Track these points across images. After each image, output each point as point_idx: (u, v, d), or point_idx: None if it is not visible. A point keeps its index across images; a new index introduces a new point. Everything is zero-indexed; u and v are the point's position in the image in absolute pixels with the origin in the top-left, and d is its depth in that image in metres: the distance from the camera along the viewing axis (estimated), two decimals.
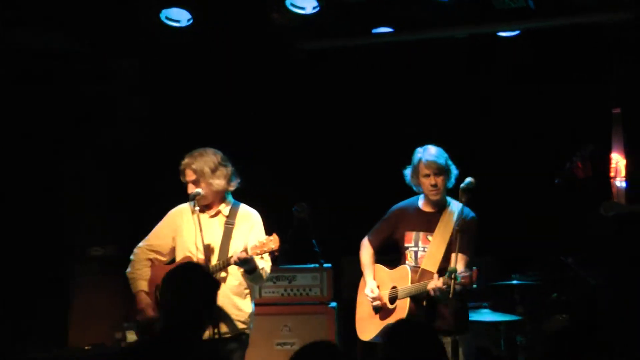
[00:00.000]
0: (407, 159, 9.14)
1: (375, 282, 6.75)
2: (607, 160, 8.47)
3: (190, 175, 6.47)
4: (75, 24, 8.29)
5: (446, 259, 6.40)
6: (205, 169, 6.42)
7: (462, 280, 5.96)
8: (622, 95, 8.44)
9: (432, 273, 6.39)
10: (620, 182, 8.30)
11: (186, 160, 6.51)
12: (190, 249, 6.46)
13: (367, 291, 6.71)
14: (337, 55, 9.27)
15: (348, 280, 9.29)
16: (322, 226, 8.72)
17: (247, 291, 6.55)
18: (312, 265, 8.46)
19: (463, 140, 9.07)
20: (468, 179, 6.39)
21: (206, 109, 9.46)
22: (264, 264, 6.43)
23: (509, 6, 7.86)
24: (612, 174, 8.39)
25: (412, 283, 6.43)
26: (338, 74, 9.54)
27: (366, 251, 6.93)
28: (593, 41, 8.57)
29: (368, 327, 6.74)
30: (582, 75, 8.84)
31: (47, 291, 8.90)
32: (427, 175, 6.55)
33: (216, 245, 6.45)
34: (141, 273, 6.53)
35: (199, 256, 6.36)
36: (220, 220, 6.55)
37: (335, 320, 8.30)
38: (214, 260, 6.38)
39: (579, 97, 8.82)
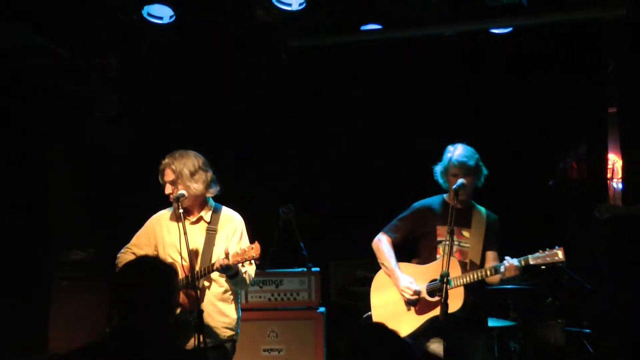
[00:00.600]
0: (399, 160, 9.03)
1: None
2: (603, 161, 8.47)
3: (169, 175, 6.34)
4: (52, 21, 8.14)
5: (483, 255, 6.65)
6: (185, 170, 6.30)
7: (550, 259, 6.26)
8: (618, 94, 8.41)
9: (478, 265, 6.58)
10: (617, 184, 8.23)
11: (166, 160, 6.38)
12: (173, 256, 6.34)
13: (406, 283, 6.63)
14: (324, 53, 9.13)
15: (336, 284, 9.29)
16: (309, 228, 8.58)
17: (232, 297, 6.44)
18: (299, 269, 8.35)
19: (454, 140, 9.02)
20: (460, 181, 6.48)
21: (189, 108, 9.35)
22: (247, 267, 6.31)
23: (501, 3, 7.77)
24: (608, 175, 8.38)
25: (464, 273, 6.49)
26: (326, 72, 9.44)
27: (387, 247, 6.86)
28: (588, 38, 8.49)
29: (401, 325, 6.59)
30: (576, 74, 8.77)
31: (26, 295, 8.77)
32: (456, 175, 6.60)
33: (198, 252, 6.34)
34: None
35: (183, 263, 6.23)
36: (202, 226, 6.44)
37: (324, 326, 8.21)
38: (197, 268, 6.24)
39: (574, 95, 8.77)
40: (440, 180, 6.75)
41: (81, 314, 8.75)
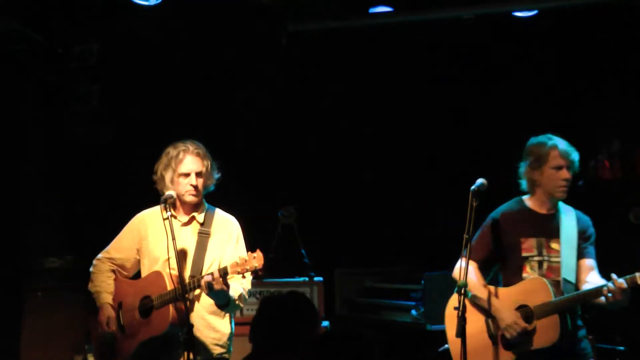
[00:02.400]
0: (411, 157, 8.93)
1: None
2: (639, 159, 8.32)
3: (198, 165, 6.10)
4: (26, 4, 8.09)
5: (577, 268, 6.20)
6: (210, 162, 6.18)
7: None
8: None
9: (573, 284, 6.13)
10: None
11: (190, 147, 6.14)
12: (159, 262, 6.11)
13: (512, 322, 6.09)
14: (328, 39, 9.01)
15: (342, 295, 9.31)
16: (312, 233, 8.51)
17: None
18: (300, 279, 8.27)
19: (471, 133, 8.98)
20: (479, 180, 6.01)
21: (178, 100, 9.20)
22: (245, 283, 6.06)
23: None
24: None
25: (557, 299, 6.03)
26: (330, 60, 9.31)
27: (475, 275, 6.28)
28: (620, 22, 8.30)
29: None
30: (608, 61, 8.59)
31: None
32: (560, 167, 6.19)
33: (189, 258, 6.08)
34: (105, 286, 6.24)
35: (170, 271, 5.97)
36: (194, 228, 6.18)
37: None
38: (187, 276, 6.00)
39: (605, 85, 8.60)
40: (525, 180, 6.33)
41: (57, 329, 8.63)
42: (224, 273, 5.77)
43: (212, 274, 5.78)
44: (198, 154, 6.13)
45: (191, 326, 5.70)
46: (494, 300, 6.19)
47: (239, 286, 6.00)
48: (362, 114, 9.41)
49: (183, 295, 5.80)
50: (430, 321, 8.30)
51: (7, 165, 8.87)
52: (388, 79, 9.29)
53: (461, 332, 5.72)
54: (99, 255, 6.37)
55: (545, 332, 6.01)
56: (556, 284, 6.10)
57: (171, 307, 5.90)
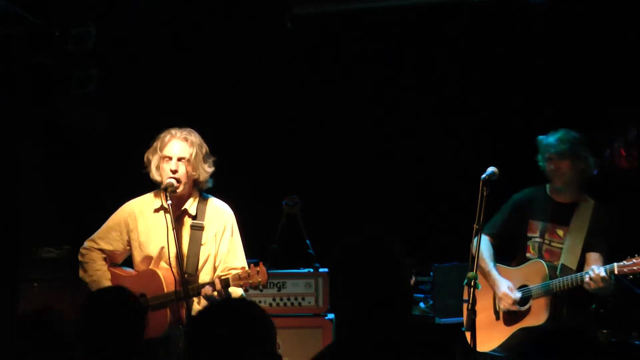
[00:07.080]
0: (421, 144, 8.94)
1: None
2: None
3: (182, 150, 6.06)
4: None
5: (583, 257, 6.71)
6: (203, 149, 6.11)
7: (638, 268, 6.29)
8: None
9: (573, 270, 6.63)
10: None
11: (178, 132, 6.12)
12: (152, 257, 6.17)
13: (505, 290, 6.74)
14: (335, 22, 9.04)
15: None
16: (317, 223, 8.50)
17: None
18: (305, 270, 8.23)
19: (481, 124, 8.94)
20: (490, 169, 6.24)
21: (177, 85, 9.18)
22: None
23: None
24: None
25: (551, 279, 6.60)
26: (337, 44, 9.30)
27: (486, 247, 6.93)
28: (636, 6, 8.34)
29: (489, 336, 6.82)
30: (624, 47, 8.59)
31: None
32: (550, 159, 6.80)
33: (183, 255, 6.09)
34: (102, 274, 6.24)
35: (167, 268, 6.06)
36: (186, 222, 6.20)
37: (333, 335, 8.05)
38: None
39: (620, 71, 8.60)
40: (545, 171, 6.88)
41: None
42: (225, 285, 5.82)
43: (213, 283, 5.84)
44: (185, 139, 6.11)
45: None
46: (494, 274, 6.81)
47: (239, 289, 6.06)
48: (370, 101, 9.37)
49: (186, 297, 5.90)
50: (440, 314, 8.34)
51: (1, 152, 8.84)
52: (397, 64, 9.25)
53: (471, 325, 5.85)
54: (86, 244, 6.38)
55: (537, 313, 6.63)
56: (553, 268, 6.70)
57: (168, 309, 5.99)
